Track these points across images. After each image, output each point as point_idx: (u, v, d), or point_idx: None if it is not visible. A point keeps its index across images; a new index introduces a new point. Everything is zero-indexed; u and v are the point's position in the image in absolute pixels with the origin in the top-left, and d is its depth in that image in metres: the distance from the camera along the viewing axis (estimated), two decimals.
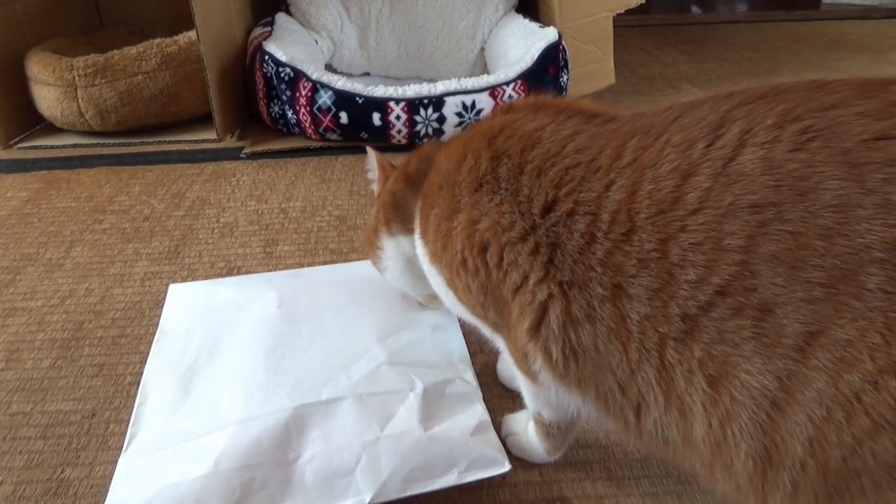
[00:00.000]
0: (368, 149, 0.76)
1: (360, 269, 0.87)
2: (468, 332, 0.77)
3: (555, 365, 0.46)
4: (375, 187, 0.75)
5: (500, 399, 0.69)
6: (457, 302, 0.56)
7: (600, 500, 0.58)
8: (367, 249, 0.73)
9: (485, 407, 0.64)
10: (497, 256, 0.47)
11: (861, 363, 0.33)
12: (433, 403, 0.63)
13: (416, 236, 0.59)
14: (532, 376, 0.51)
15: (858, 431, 0.33)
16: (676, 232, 0.39)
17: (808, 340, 0.35)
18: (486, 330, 0.56)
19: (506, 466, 0.57)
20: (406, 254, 0.65)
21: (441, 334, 0.75)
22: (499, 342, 0.56)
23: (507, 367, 0.70)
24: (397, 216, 0.65)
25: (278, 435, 0.59)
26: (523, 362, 0.51)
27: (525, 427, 0.62)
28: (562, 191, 0.44)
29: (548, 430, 0.58)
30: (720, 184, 0.38)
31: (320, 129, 1.34)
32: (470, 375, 0.69)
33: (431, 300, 0.71)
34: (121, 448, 0.61)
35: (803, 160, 0.35)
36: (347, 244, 1.01)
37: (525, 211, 0.46)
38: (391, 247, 0.67)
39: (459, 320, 0.74)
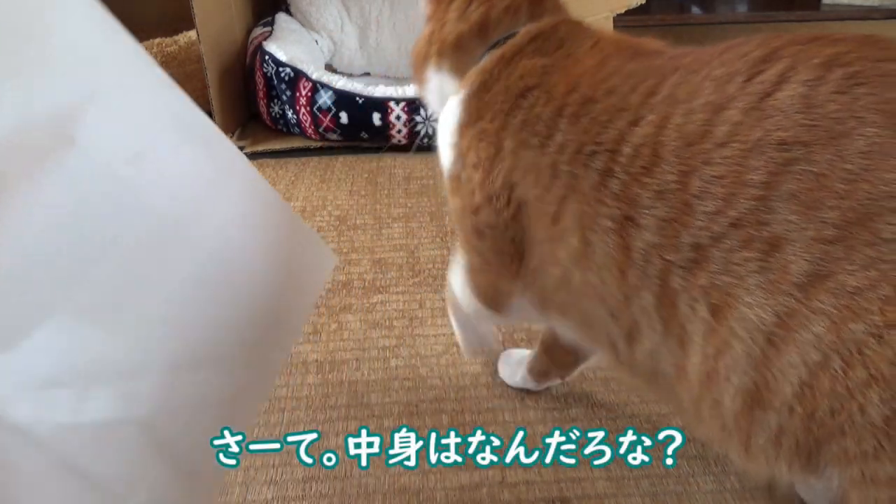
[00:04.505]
0: None
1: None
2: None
3: (539, 292, 0.50)
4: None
5: (501, 399, 0.69)
6: (450, 188, 0.58)
7: (600, 500, 0.58)
8: (413, 72, 0.67)
9: None
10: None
11: (869, 314, 0.33)
12: None
13: (459, 92, 0.57)
14: (499, 307, 0.57)
15: (854, 384, 0.33)
16: (700, 165, 0.38)
17: (812, 281, 0.34)
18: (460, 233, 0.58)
19: None
20: (446, 94, 0.61)
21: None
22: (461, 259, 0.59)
23: (508, 365, 0.71)
24: (455, 58, 0.60)
25: None
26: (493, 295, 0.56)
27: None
28: (589, 135, 0.44)
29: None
30: (752, 118, 0.37)
31: (320, 129, 1.34)
32: None
33: None
34: None
35: (844, 103, 0.35)
36: (347, 244, 1.01)
37: (553, 151, 0.47)
38: (435, 82, 0.63)
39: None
